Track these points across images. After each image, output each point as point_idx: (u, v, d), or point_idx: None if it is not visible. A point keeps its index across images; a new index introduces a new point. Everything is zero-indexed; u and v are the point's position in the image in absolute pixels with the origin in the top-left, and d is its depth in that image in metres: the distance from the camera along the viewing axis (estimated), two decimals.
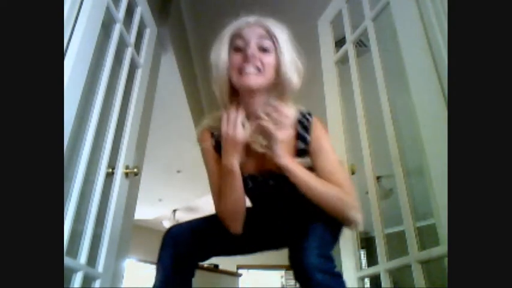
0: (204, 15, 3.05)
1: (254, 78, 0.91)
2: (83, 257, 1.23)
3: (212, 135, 1.04)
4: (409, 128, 1.56)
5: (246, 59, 0.91)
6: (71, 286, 1.17)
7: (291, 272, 8.19)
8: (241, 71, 0.92)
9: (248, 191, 1.02)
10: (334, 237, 0.95)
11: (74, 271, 1.18)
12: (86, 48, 1.22)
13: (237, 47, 0.94)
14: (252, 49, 0.92)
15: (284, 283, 8.20)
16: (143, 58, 1.83)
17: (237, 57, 0.93)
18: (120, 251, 1.58)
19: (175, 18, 2.72)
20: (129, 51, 1.65)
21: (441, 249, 1.23)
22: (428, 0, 1.41)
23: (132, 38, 1.68)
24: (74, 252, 1.23)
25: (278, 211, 1.09)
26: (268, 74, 0.93)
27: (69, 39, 1.14)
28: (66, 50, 1.12)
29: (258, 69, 0.92)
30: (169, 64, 2.76)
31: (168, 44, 2.60)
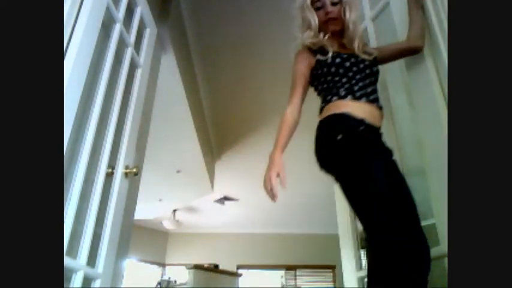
0: (204, 15, 3.05)
1: (335, 24, 1.42)
2: (83, 257, 1.23)
3: (313, 53, 1.41)
4: (409, 128, 1.56)
5: (327, 14, 1.41)
6: (71, 286, 1.17)
7: (291, 272, 8.23)
8: (326, 22, 1.41)
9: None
10: None
11: (74, 271, 1.18)
12: (86, 48, 1.22)
13: (317, 7, 1.43)
14: (328, 6, 1.41)
15: (284, 283, 8.20)
16: (143, 58, 1.83)
17: (320, 14, 1.42)
18: (120, 251, 1.58)
19: (175, 18, 2.72)
20: (129, 51, 1.65)
21: (441, 249, 1.23)
22: (429, 0, 1.41)
23: (132, 38, 1.68)
24: (74, 252, 1.23)
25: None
26: (341, 19, 1.42)
27: (69, 39, 1.14)
28: (66, 50, 1.12)
29: (335, 18, 1.41)
30: (169, 64, 2.76)
31: (168, 44, 2.59)
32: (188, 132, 3.86)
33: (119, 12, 1.53)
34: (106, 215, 1.43)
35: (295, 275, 8.22)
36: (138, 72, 1.78)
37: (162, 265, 8.21)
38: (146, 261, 7.84)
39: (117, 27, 1.51)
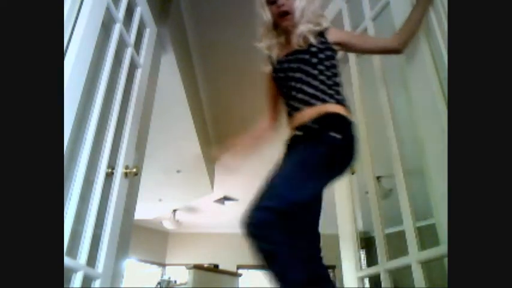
0: (204, 15, 3.05)
1: (288, 19, 1.32)
2: (83, 257, 1.23)
3: (270, 60, 1.40)
4: (409, 128, 1.56)
5: (278, 7, 1.31)
6: (71, 286, 1.17)
7: None
8: (279, 17, 1.33)
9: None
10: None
11: (74, 271, 1.18)
12: (86, 48, 1.22)
13: (271, 1, 1.33)
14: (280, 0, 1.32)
15: None
16: (143, 58, 1.83)
17: (273, 8, 1.33)
18: (120, 251, 1.58)
19: (175, 18, 2.72)
20: (129, 51, 1.64)
21: (441, 249, 1.23)
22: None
23: (132, 38, 1.68)
24: (74, 252, 1.23)
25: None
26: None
27: (69, 39, 1.14)
28: (66, 50, 1.12)
29: (287, 13, 1.31)
30: (169, 64, 2.76)
31: (168, 44, 2.59)
32: (188, 132, 3.86)
33: (119, 12, 1.53)
34: (106, 215, 1.44)
35: None
36: (138, 72, 1.78)
37: (162, 265, 8.21)
38: (146, 261, 7.84)
39: (117, 27, 1.51)
